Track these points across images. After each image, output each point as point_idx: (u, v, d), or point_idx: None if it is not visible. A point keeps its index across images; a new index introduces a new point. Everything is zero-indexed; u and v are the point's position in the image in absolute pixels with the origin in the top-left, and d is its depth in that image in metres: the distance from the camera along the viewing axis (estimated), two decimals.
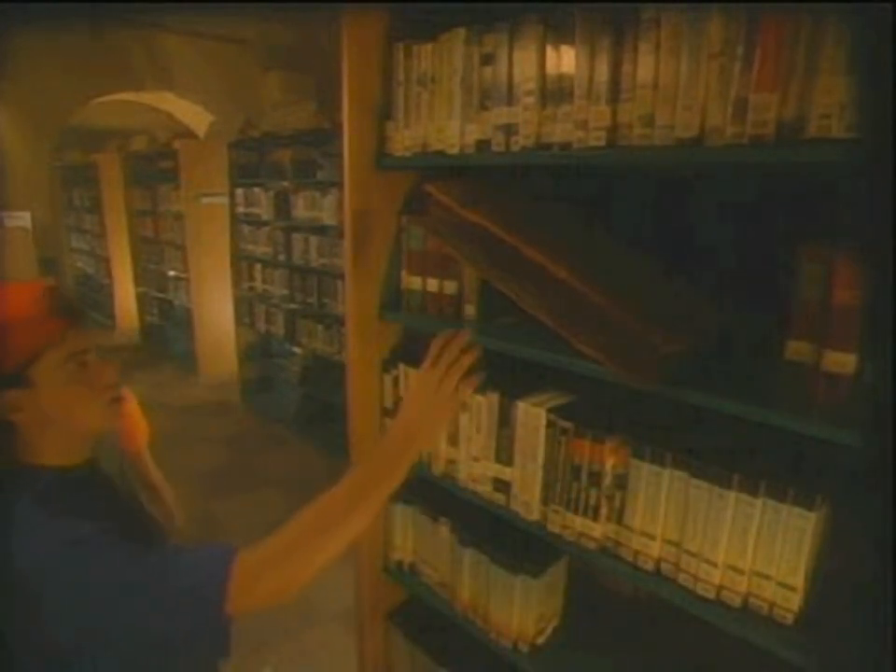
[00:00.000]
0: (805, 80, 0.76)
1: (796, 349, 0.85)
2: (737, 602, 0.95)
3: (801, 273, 0.84)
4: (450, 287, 1.31)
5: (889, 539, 0.71)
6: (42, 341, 0.86)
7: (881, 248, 0.70)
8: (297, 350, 5.11)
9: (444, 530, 1.45)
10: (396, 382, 1.46)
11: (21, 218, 5.25)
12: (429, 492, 1.49)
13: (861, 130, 0.72)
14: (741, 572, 0.94)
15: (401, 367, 1.43)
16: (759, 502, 0.91)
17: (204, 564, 0.83)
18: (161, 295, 6.85)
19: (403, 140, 1.29)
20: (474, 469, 1.30)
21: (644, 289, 1.13)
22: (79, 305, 0.94)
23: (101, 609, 0.78)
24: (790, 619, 0.91)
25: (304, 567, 0.83)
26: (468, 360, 0.97)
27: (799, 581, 0.89)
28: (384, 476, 0.92)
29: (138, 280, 7.22)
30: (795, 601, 0.90)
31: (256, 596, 0.82)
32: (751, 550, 0.93)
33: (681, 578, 1.02)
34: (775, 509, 0.89)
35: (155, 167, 6.46)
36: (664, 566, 1.04)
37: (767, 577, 0.92)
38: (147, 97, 6.48)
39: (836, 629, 0.87)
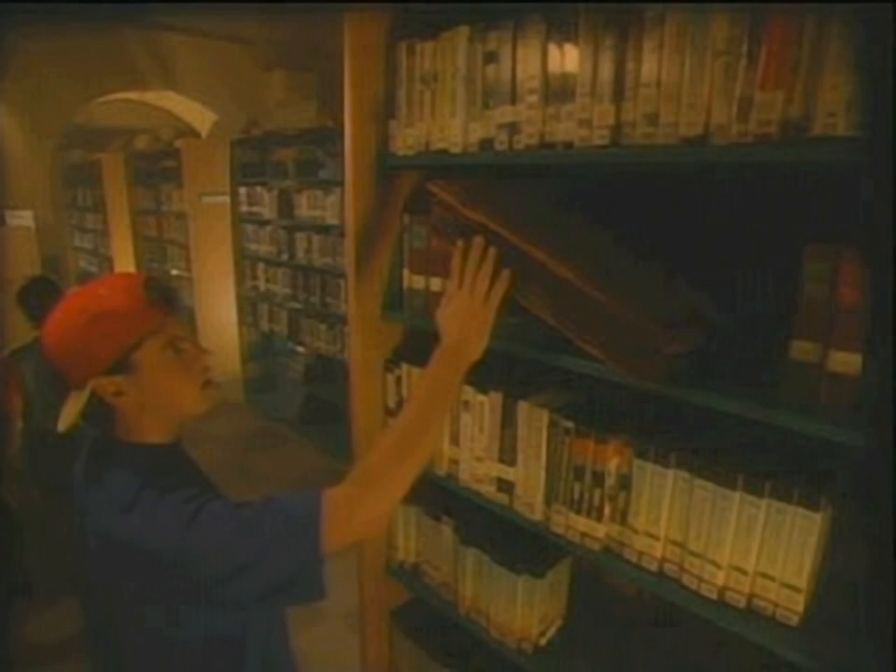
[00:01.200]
0: (810, 78, 0.75)
1: (801, 349, 0.84)
2: (741, 603, 0.95)
3: (806, 272, 0.83)
4: None
5: (892, 540, 0.70)
6: (144, 328, 0.90)
7: (883, 247, 0.70)
8: (300, 349, 5.11)
9: (447, 530, 1.44)
10: (398, 381, 1.45)
11: (24, 217, 5.26)
12: (432, 492, 1.48)
13: (863, 130, 0.72)
14: (745, 573, 0.94)
15: (404, 366, 1.43)
16: (763, 503, 0.90)
17: (298, 506, 0.89)
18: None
19: (406, 139, 1.28)
20: (477, 469, 1.30)
21: (647, 289, 1.13)
22: (176, 295, 0.99)
23: (213, 559, 0.84)
24: (794, 620, 0.90)
25: (389, 494, 0.90)
26: (490, 264, 1.03)
27: (803, 582, 0.88)
28: (443, 393, 1.00)
29: None
30: (800, 602, 0.89)
31: (350, 530, 0.88)
32: (756, 551, 0.92)
33: (685, 579, 1.01)
34: (779, 510, 0.89)
35: (158, 166, 6.46)
36: (667, 566, 1.04)
37: (771, 578, 0.91)
38: (150, 96, 6.49)
39: (841, 631, 0.86)
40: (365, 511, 0.89)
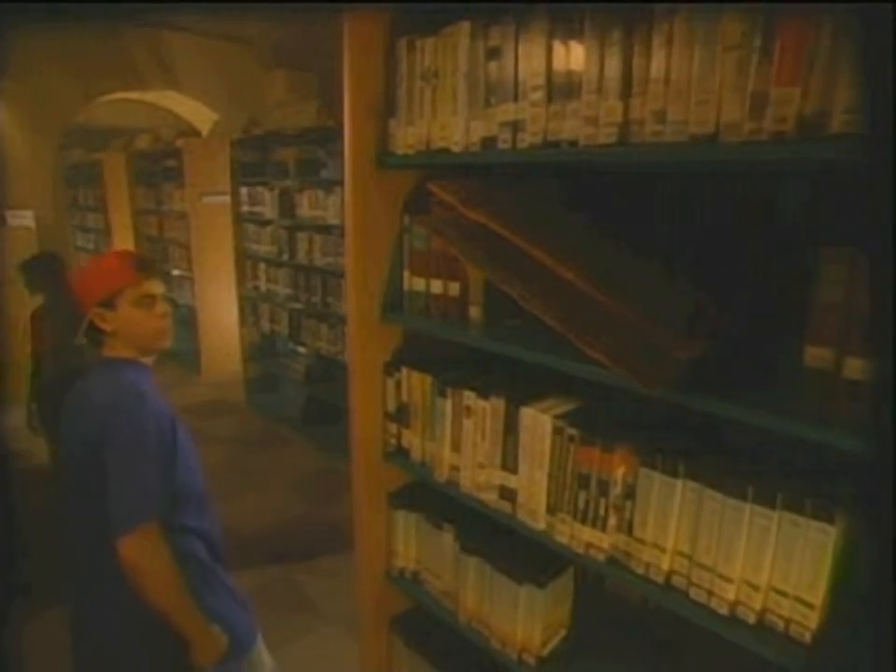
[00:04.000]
0: (827, 73, 0.72)
1: (816, 355, 0.81)
2: (752, 618, 0.91)
3: (821, 276, 0.80)
4: (454, 288, 1.28)
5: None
6: (123, 282, 1.40)
7: (885, 248, 0.67)
8: (301, 350, 5.08)
9: (448, 538, 1.41)
10: (398, 385, 1.42)
11: (25, 217, 5.24)
12: (433, 498, 1.45)
13: (865, 129, 0.69)
14: (756, 588, 0.90)
15: (404, 370, 1.40)
16: (775, 515, 0.87)
17: (143, 495, 1.29)
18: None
19: (406, 137, 1.25)
20: (479, 475, 1.27)
21: (654, 291, 1.09)
22: (156, 267, 1.52)
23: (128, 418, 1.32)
24: (807, 637, 0.87)
25: (141, 585, 1.28)
26: None
27: (817, 598, 0.85)
28: (184, 625, 1.33)
29: None
30: (813, 619, 0.86)
31: (124, 549, 1.25)
32: (768, 565, 0.89)
33: (694, 592, 0.98)
34: (792, 522, 0.86)
35: (159, 166, 6.44)
36: (675, 578, 1.00)
37: (784, 593, 0.88)
38: (152, 96, 6.46)
39: (855, 649, 0.83)
40: (130, 557, 1.26)
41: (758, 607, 0.91)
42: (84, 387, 1.42)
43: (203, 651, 1.35)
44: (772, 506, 0.88)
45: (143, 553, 1.26)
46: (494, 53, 1.07)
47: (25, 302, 3.37)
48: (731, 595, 0.93)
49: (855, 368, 0.78)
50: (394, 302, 1.41)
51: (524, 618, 1.27)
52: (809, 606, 0.86)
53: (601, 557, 1.09)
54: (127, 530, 1.25)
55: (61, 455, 1.43)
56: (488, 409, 1.22)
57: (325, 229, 4.34)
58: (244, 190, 5.09)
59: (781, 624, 0.89)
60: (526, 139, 1.04)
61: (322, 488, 3.99)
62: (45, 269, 3.36)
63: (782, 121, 0.75)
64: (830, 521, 0.83)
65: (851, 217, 0.86)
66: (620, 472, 1.03)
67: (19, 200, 5.22)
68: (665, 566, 1.01)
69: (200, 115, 6.66)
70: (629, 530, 1.04)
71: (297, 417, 4.93)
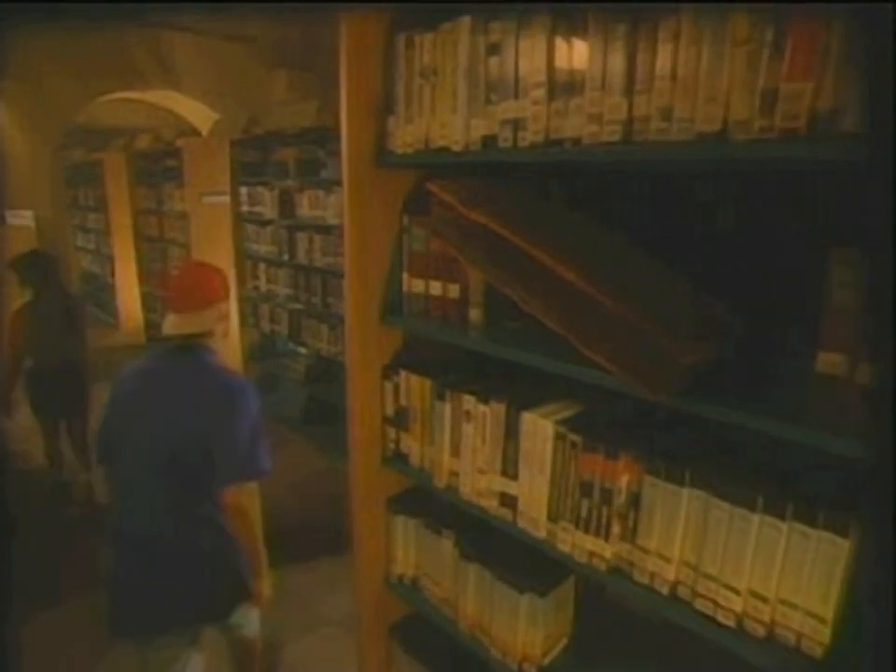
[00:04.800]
0: (841, 69, 0.69)
1: (828, 361, 0.78)
2: (761, 631, 0.89)
3: (832, 278, 0.77)
4: (454, 290, 1.25)
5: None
6: (229, 282, 1.80)
7: (884, 248, 0.65)
8: (301, 350, 5.06)
9: (448, 544, 1.39)
10: (397, 389, 1.40)
11: (24, 217, 5.22)
12: (432, 503, 1.43)
13: (864, 129, 0.67)
14: (765, 600, 0.88)
15: (403, 373, 1.37)
16: (785, 526, 0.84)
17: (259, 457, 1.71)
18: None
19: (405, 136, 1.23)
20: (479, 481, 1.24)
21: (660, 294, 1.07)
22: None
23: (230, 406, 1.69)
24: (818, 652, 0.84)
25: (242, 525, 1.72)
26: None
27: (829, 612, 0.82)
28: (260, 557, 1.81)
29: (143, 279, 7.18)
30: (825, 633, 0.83)
31: (232, 496, 1.67)
32: (777, 577, 0.86)
33: (699, 603, 0.95)
34: (803, 534, 0.83)
35: (159, 165, 6.42)
36: (680, 589, 0.98)
37: (794, 606, 0.85)
38: (152, 95, 6.43)
39: (868, 665, 0.80)
40: (237, 503, 1.68)
41: (767, 619, 0.88)
42: (169, 371, 1.71)
43: (265, 582, 1.81)
44: (781, 517, 0.85)
45: (247, 500, 1.70)
46: (494, 49, 1.04)
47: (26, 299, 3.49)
48: (738, 607, 0.90)
49: (868, 373, 0.75)
50: (393, 304, 1.38)
51: (525, 627, 1.25)
52: (821, 620, 0.83)
53: (604, 567, 1.06)
54: (240, 482, 1.67)
55: (143, 431, 1.66)
56: (488, 413, 1.19)
57: (325, 229, 4.31)
58: (244, 190, 5.07)
59: (792, 638, 0.86)
60: (528, 137, 1.01)
61: (322, 488, 3.96)
62: (37, 266, 3.50)
63: (793, 118, 0.72)
64: (842, 533, 0.80)
65: (863, 218, 0.83)
66: (624, 480, 1.00)
67: (19, 200, 5.20)
68: (670, 576, 0.98)
69: (200, 115, 6.63)
70: (633, 539, 1.01)
71: (297, 417, 4.91)
